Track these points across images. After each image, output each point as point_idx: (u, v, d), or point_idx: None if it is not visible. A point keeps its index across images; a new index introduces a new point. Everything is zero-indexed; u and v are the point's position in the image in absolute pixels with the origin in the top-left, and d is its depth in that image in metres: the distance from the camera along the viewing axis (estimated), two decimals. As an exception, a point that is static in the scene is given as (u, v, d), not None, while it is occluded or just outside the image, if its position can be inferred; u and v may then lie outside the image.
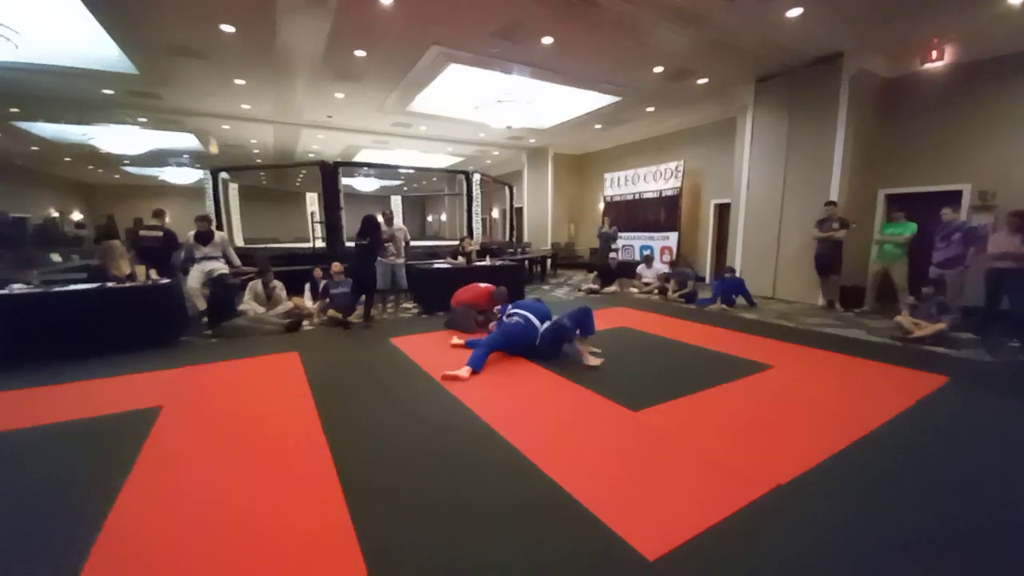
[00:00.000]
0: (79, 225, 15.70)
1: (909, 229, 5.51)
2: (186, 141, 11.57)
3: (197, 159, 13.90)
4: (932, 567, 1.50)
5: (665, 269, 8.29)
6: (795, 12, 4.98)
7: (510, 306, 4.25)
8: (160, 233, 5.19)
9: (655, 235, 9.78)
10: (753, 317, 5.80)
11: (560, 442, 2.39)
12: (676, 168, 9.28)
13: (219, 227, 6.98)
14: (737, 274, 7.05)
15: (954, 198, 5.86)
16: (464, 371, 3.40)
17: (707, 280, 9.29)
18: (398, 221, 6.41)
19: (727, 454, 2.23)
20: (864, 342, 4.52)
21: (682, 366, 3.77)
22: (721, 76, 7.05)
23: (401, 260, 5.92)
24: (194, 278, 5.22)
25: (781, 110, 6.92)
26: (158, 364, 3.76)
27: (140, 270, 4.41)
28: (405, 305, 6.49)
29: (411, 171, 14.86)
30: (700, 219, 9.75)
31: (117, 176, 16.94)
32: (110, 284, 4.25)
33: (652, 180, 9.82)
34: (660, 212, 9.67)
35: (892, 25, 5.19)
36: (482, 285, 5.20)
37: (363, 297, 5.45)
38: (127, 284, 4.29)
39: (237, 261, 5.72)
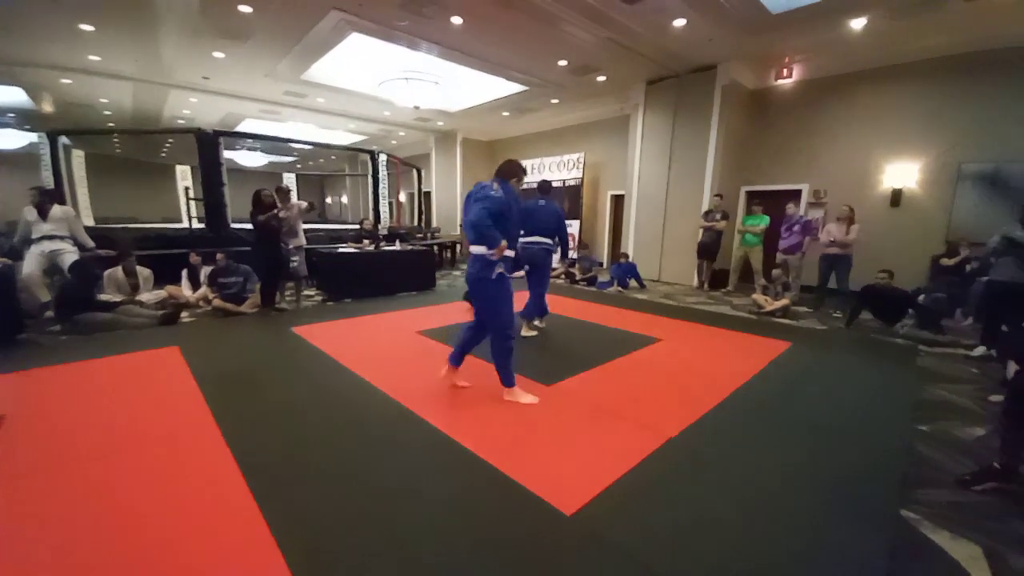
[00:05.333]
0: None
1: (764, 221, 6.54)
2: (11, 96, 9.28)
3: (26, 119, 11.23)
4: (797, 487, 1.89)
5: (570, 255, 8.78)
6: (680, 22, 5.55)
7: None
8: None
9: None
10: (644, 297, 6.47)
11: (477, 418, 2.50)
12: (578, 159, 9.81)
13: (61, 202, 5.79)
14: (630, 259, 7.76)
15: (796, 195, 7.08)
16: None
17: (604, 265, 10.06)
18: (294, 197, 5.85)
19: (627, 416, 2.53)
20: (729, 316, 5.32)
21: (587, 342, 4.10)
22: (618, 75, 7.58)
23: (300, 243, 5.46)
24: (32, 262, 4.32)
25: (667, 111, 7.68)
26: (-11, 367, 3.09)
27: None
28: (307, 292, 6.07)
29: (307, 147, 13.65)
30: (599, 208, 10.47)
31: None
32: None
33: (557, 170, 10.27)
34: (564, 201, 10.17)
35: (753, 40, 6.03)
36: None
37: (259, 284, 4.97)
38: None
39: (89, 242, 4.84)
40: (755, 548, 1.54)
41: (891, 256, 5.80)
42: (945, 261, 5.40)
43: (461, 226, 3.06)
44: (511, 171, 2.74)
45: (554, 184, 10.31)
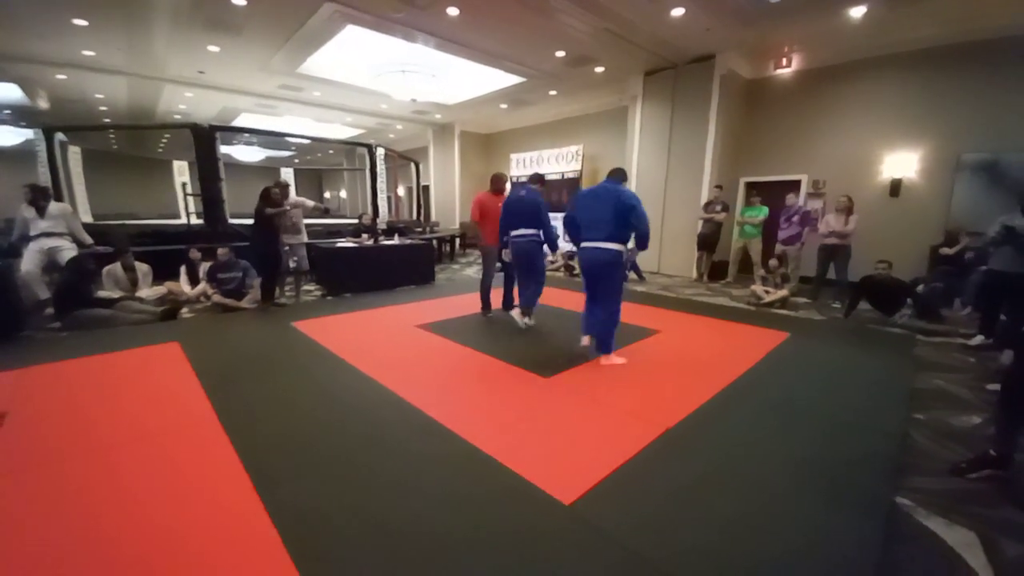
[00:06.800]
0: None
1: (763, 212, 6.52)
2: (6, 92, 9.22)
3: (21, 115, 11.15)
4: (794, 475, 1.91)
5: (569, 247, 8.77)
6: (678, 11, 5.49)
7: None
8: None
9: (558, 215, 10.23)
10: (643, 289, 6.47)
11: (477, 409, 2.52)
12: (576, 152, 9.77)
13: (58, 199, 5.78)
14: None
15: (795, 186, 7.06)
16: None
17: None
18: (293, 194, 5.87)
19: (626, 408, 2.55)
20: (728, 307, 5.33)
21: (586, 335, 4.11)
22: (615, 66, 7.52)
23: (302, 239, 5.47)
24: (31, 260, 4.32)
25: (665, 102, 7.63)
26: (-9, 364, 3.10)
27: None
28: (306, 287, 6.07)
29: (304, 141, 13.58)
30: (598, 200, 10.42)
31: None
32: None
33: (555, 162, 10.23)
34: (563, 193, 10.14)
35: (751, 29, 5.98)
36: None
37: (259, 280, 4.97)
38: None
39: (87, 238, 4.85)
40: (751, 535, 1.56)
41: (890, 246, 5.80)
42: (944, 251, 5.39)
43: (565, 223, 3.39)
44: (625, 175, 3.34)
45: (551, 177, 10.29)
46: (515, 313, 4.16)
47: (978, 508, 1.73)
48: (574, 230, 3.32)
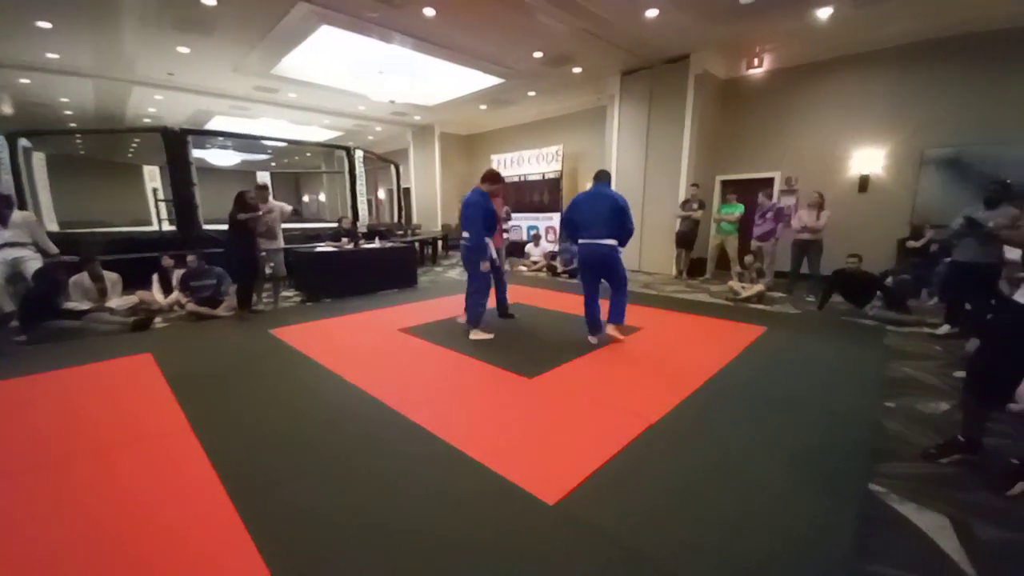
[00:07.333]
0: None
1: (739, 209, 6.65)
2: None
3: (-18, 121, 10.69)
4: (771, 464, 1.95)
5: (551, 248, 8.81)
6: (653, 12, 5.57)
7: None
8: None
9: (540, 216, 10.29)
10: (626, 288, 6.53)
11: (459, 413, 2.50)
12: (556, 152, 9.81)
13: (22, 207, 5.56)
14: (612, 250, 7.81)
15: (769, 183, 7.22)
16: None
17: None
18: (271, 197, 5.74)
19: (609, 405, 2.56)
20: (707, 303, 5.42)
21: (569, 334, 4.10)
22: (593, 66, 7.58)
23: (278, 245, 5.36)
24: (-8, 271, 4.14)
25: (642, 102, 7.72)
26: (-52, 381, 2.95)
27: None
28: (285, 293, 5.95)
29: (280, 144, 13.33)
30: (579, 200, 10.48)
31: None
32: None
33: (536, 163, 10.25)
34: (544, 193, 10.18)
35: (724, 30, 6.10)
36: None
37: (234, 287, 4.85)
38: None
39: (52, 247, 4.67)
40: (733, 523, 1.59)
41: (859, 240, 5.98)
42: (911, 243, 5.59)
43: (563, 223, 3.96)
44: (609, 176, 3.71)
45: (532, 177, 10.31)
46: (473, 336, 3.89)
47: (949, 492, 1.79)
48: (572, 229, 3.71)
